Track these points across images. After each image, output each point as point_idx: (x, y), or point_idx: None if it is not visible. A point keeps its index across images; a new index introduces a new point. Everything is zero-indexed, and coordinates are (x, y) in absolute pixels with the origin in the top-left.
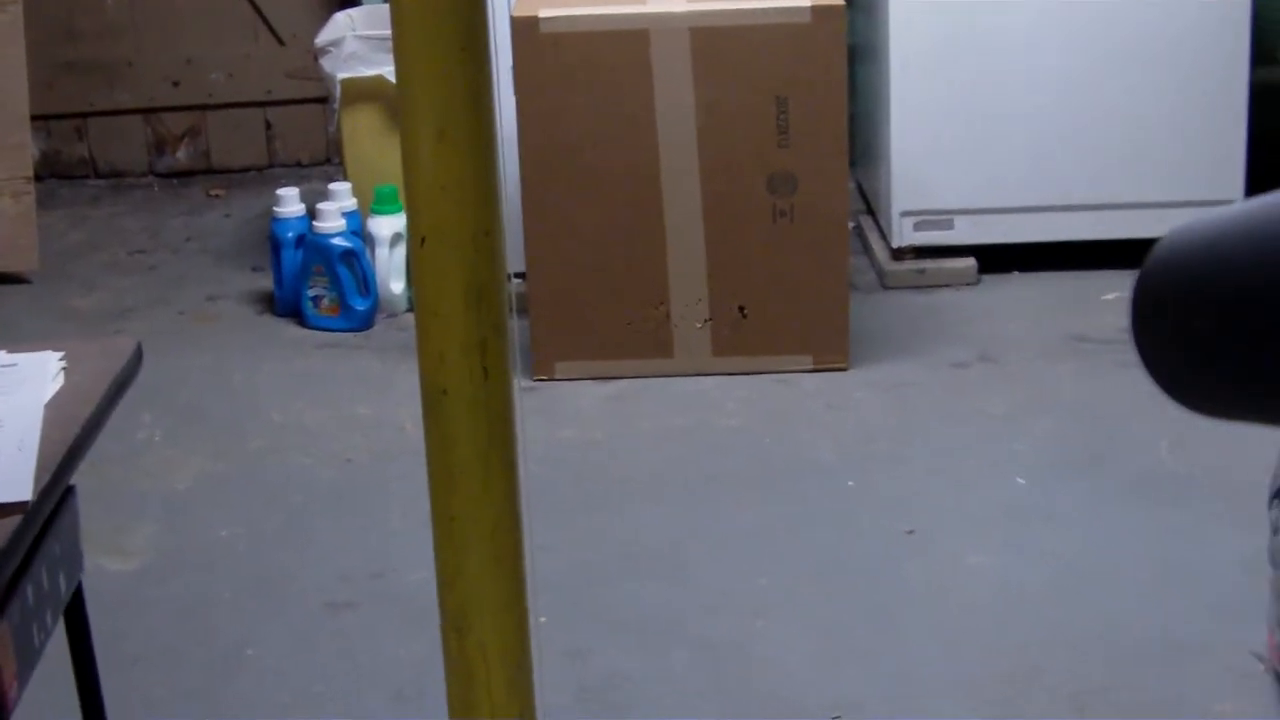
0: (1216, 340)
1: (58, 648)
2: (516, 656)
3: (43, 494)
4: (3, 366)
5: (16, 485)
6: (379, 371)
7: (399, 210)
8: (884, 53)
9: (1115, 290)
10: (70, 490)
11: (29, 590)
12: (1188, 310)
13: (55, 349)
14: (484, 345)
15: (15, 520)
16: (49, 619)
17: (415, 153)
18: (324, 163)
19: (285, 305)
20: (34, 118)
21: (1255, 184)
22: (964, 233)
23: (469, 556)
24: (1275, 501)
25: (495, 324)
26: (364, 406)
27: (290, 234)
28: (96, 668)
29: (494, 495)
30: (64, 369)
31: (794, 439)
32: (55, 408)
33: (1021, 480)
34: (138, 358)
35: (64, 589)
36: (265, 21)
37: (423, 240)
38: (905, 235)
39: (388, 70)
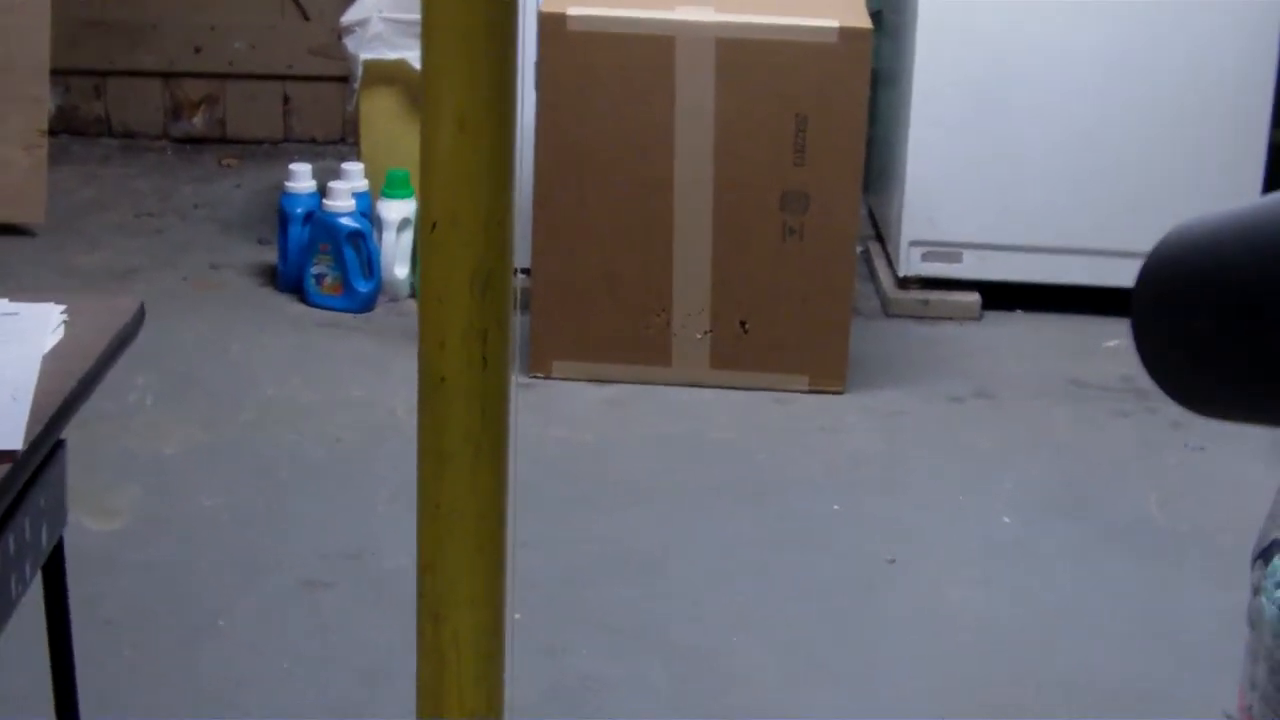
0: (1216, 340)
1: (31, 601)
2: (489, 649)
3: (33, 445)
4: (4, 314)
5: (8, 434)
6: (376, 354)
7: (409, 195)
8: (907, 80)
9: (1117, 337)
10: (60, 444)
11: (10, 541)
12: (1188, 310)
13: (58, 301)
14: (485, 335)
15: (3, 469)
16: (27, 571)
17: (434, 140)
18: (339, 142)
19: (288, 280)
20: (54, 72)
21: None
22: (971, 267)
23: (451, 545)
24: (1258, 563)
25: (499, 314)
26: (358, 388)
27: (299, 210)
28: (70, 624)
29: (481, 485)
30: (65, 322)
31: (784, 457)
32: (53, 360)
33: (1007, 519)
34: (139, 318)
35: (45, 542)
36: None
37: (434, 225)
38: (912, 265)
39: (411, 55)
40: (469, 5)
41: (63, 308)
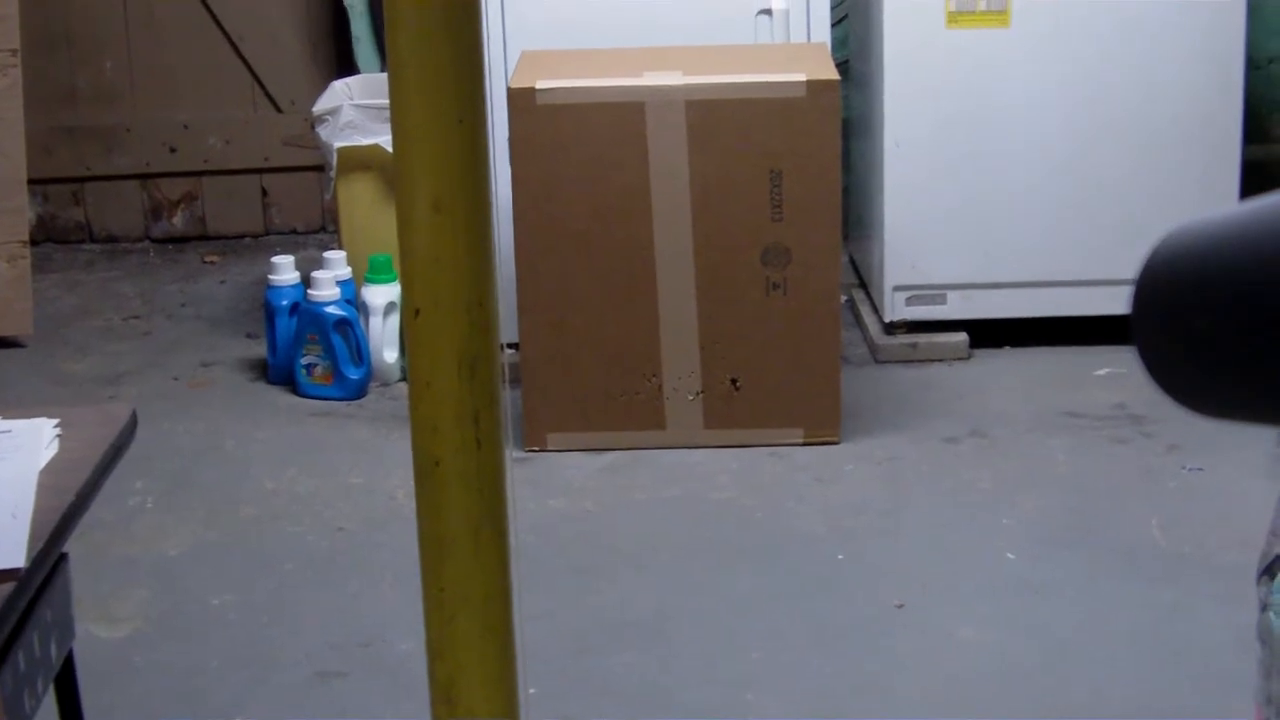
0: (1216, 340)
1: (46, 715)
2: None
3: (36, 561)
4: None
5: (10, 552)
6: (371, 440)
7: (393, 279)
8: (878, 128)
9: (1107, 366)
10: (63, 558)
11: (20, 657)
12: (1188, 310)
13: (50, 416)
14: (477, 417)
15: (8, 588)
16: (40, 686)
17: (410, 224)
18: (319, 231)
19: (278, 373)
20: (31, 182)
21: None
22: (956, 308)
23: (459, 627)
24: (1263, 579)
25: (488, 395)
26: (356, 475)
27: (285, 302)
28: None
29: (485, 566)
30: (59, 436)
31: (785, 511)
32: (49, 474)
33: (1011, 555)
34: (132, 425)
35: (55, 656)
36: (263, 88)
37: (416, 312)
38: (897, 310)
39: (384, 139)
40: (437, 89)
41: (55, 421)
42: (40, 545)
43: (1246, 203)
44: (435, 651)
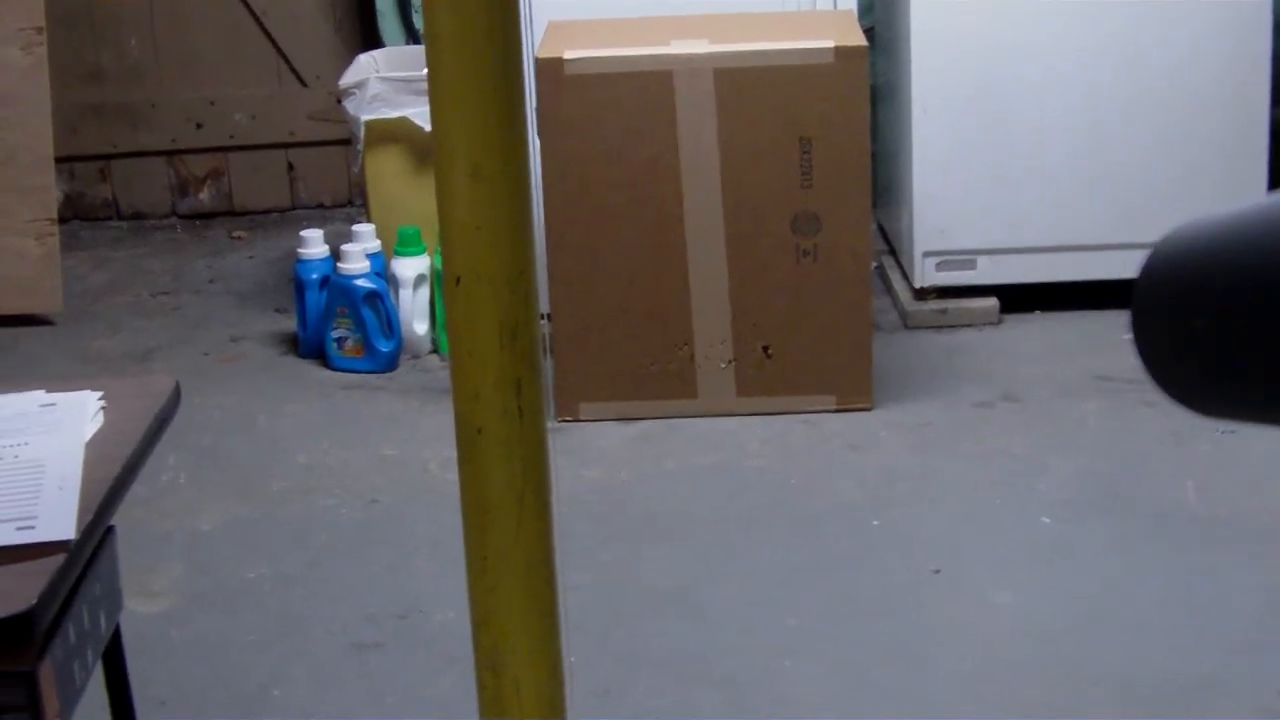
0: (1216, 340)
1: (93, 687)
2: (550, 695)
3: (85, 533)
4: (42, 406)
5: (60, 524)
6: (403, 412)
7: (422, 252)
8: (906, 94)
9: None
10: (110, 530)
11: (71, 629)
12: (1188, 310)
13: (94, 388)
14: (518, 384)
15: (59, 559)
16: (90, 658)
17: (450, 193)
18: (346, 204)
19: (309, 347)
20: (58, 160)
21: None
22: (986, 273)
23: (503, 595)
24: None
25: (529, 363)
26: (389, 447)
27: (314, 275)
28: (134, 708)
29: (528, 534)
30: (103, 408)
31: (818, 479)
32: (95, 446)
33: (1046, 519)
34: (176, 396)
35: (104, 628)
36: (288, 63)
37: (458, 280)
38: (927, 275)
39: (411, 112)
40: (474, 58)
41: (100, 393)
42: (89, 517)
43: (1248, 201)
44: (479, 620)
